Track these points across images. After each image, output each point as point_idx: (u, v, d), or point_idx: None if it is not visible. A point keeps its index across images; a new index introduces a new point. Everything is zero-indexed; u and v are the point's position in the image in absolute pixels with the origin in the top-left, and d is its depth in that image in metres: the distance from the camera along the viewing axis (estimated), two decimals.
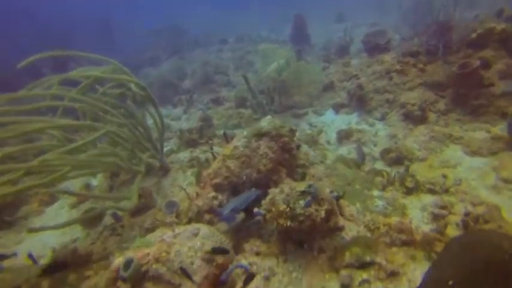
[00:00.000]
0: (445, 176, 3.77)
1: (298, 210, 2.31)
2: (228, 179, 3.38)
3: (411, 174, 3.61)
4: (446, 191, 3.60)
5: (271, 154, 3.27)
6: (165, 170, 4.82)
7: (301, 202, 2.34)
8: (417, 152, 4.40)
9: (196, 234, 2.41)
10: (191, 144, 5.47)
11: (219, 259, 2.21)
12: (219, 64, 11.35)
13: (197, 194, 3.60)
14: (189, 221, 3.16)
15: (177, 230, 2.57)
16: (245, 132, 3.50)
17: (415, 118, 5.23)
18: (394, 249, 2.42)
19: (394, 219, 2.69)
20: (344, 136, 5.50)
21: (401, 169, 4.01)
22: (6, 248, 4.33)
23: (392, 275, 2.17)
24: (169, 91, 10.04)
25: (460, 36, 5.65)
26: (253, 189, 3.03)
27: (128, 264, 1.97)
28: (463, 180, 3.69)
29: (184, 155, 5.06)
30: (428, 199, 3.38)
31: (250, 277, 2.15)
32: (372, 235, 2.59)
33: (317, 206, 2.37)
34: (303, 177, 3.07)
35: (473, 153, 4.13)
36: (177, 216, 3.50)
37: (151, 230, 3.35)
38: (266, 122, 3.43)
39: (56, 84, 3.48)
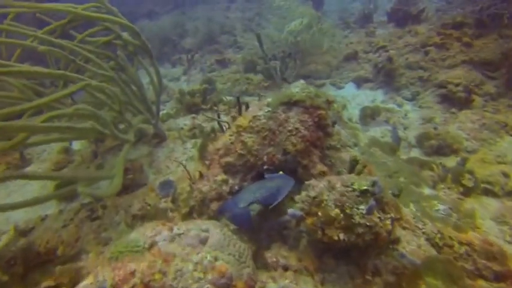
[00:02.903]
0: (506, 175, 3.06)
1: (358, 219, 1.58)
2: (243, 159, 2.61)
3: (469, 170, 2.89)
4: (510, 194, 2.92)
5: (303, 130, 2.48)
6: (160, 138, 4.03)
7: (362, 207, 1.60)
8: (465, 142, 3.67)
9: (204, 241, 1.67)
10: (193, 109, 4.63)
11: (239, 283, 1.50)
12: (225, 23, 10.19)
13: (201, 174, 2.84)
14: (190, 212, 2.42)
15: (175, 229, 1.83)
16: (269, 99, 2.68)
17: (457, 101, 4.45)
18: (482, 283, 1.74)
19: (473, 235, 2.01)
20: (369, 114, 4.72)
21: (455, 162, 3.29)
22: None
23: None
24: (168, 48, 8.97)
25: None
26: (281, 173, 2.27)
27: None
28: None
29: (184, 121, 4.25)
30: (493, 204, 2.69)
31: None
32: (440, 253, 1.91)
33: (381, 213, 1.65)
34: (352, 168, 2.28)
35: None
36: (174, 201, 2.76)
37: (140, 217, 2.62)
38: (299, 88, 2.61)
39: (10, 18, 2.56)
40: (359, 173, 2.04)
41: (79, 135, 2.51)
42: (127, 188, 3.14)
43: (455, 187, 2.83)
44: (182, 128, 4.00)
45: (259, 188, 2.15)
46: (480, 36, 5.15)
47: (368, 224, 1.58)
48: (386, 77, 5.45)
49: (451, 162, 3.49)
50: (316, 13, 6.03)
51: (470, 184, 2.76)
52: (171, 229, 1.85)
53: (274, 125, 2.53)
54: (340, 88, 5.93)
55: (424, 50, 5.49)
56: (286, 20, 6.48)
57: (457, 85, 4.49)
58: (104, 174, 2.45)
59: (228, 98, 5.03)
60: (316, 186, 1.80)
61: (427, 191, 2.70)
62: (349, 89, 5.83)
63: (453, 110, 4.33)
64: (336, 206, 1.63)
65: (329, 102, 2.73)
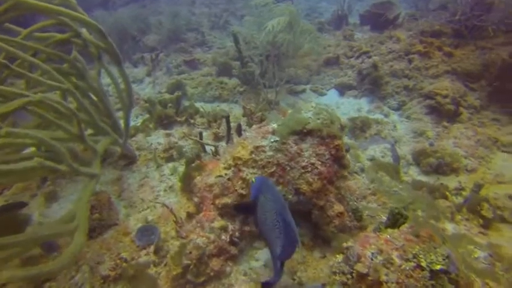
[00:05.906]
0: (511, 197, 2.92)
1: None
2: (245, 199, 2.14)
3: (485, 198, 2.69)
4: None
5: (320, 166, 2.06)
6: (129, 160, 3.37)
7: None
8: (463, 160, 3.52)
9: None
10: (165, 122, 4.00)
11: None
12: (190, 19, 9.43)
13: (188, 215, 2.31)
14: (184, 273, 1.89)
15: None
16: (274, 125, 2.22)
17: (445, 113, 4.33)
18: None
19: None
20: (359, 127, 4.45)
21: (456, 182, 3.10)
22: None
23: None
24: (128, 46, 8.05)
25: (499, 16, 4.77)
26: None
27: None
28: None
29: (157, 139, 3.61)
30: None
31: None
32: None
33: None
34: (394, 222, 1.85)
35: None
36: (156, 252, 2.19)
37: (112, 280, 2.02)
38: (311, 112, 2.18)
39: None
40: (399, 227, 1.66)
41: (19, 179, 1.82)
42: (92, 231, 2.49)
43: (474, 218, 2.61)
44: (156, 148, 3.37)
45: (270, 228, 1.65)
46: (458, 46, 5.12)
47: None
48: (371, 84, 5.22)
49: (451, 182, 3.31)
50: (297, 11, 5.60)
51: (490, 215, 2.55)
52: None
53: (284, 159, 2.08)
54: (322, 95, 5.61)
55: (407, 57, 5.35)
56: (262, 19, 6.00)
57: (445, 97, 4.37)
58: (58, 230, 1.80)
59: (205, 107, 4.46)
60: (364, 256, 1.38)
61: (448, 226, 2.43)
62: (332, 96, 5.54)
63: (444, 123, 4.19)
64: None
65: (342, 128, 2.34)
